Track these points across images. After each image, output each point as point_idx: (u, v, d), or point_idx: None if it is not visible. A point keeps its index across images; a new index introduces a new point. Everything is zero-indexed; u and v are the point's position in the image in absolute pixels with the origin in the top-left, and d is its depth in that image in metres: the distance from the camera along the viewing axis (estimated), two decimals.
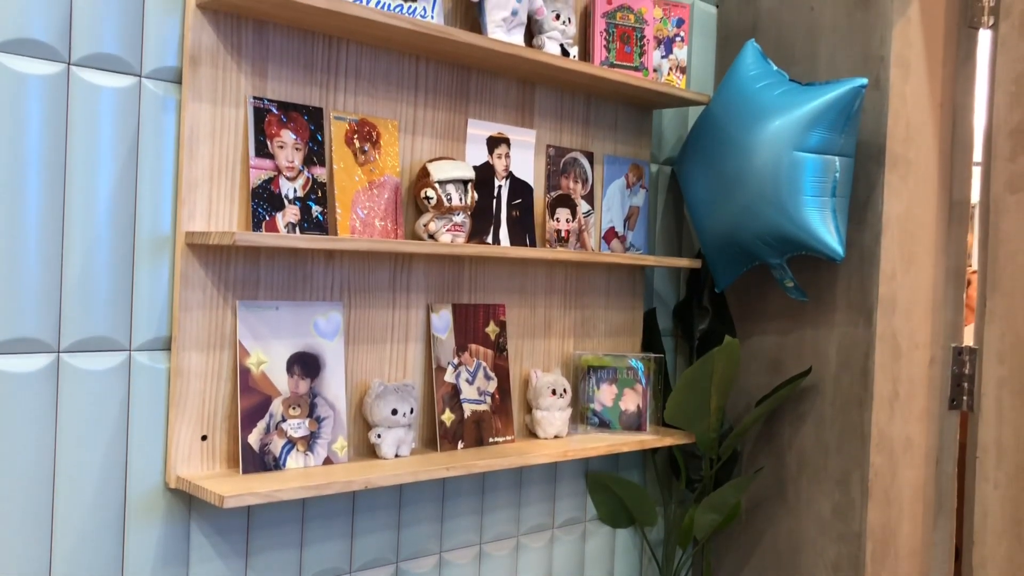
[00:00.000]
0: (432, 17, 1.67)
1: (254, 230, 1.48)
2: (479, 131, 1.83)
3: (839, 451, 2.01)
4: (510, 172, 1.88)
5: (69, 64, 1.33)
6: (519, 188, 1.89)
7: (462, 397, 1.77)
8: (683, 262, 2.06)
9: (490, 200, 1.84)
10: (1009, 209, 1.99)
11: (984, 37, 2.05)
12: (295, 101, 1.56)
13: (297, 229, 1.52)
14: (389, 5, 1.61)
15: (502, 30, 1.74)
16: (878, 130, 1.95)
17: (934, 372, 2.07)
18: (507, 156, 1.88)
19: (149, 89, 1.41)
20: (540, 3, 1.81)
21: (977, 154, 2.07)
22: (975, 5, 2.03)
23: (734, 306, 2.25)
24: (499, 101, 1.87)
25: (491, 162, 1.85)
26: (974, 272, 2.08)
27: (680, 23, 2.07)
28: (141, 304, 1.41)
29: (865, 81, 1.83)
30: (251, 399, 1.49)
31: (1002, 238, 2.00)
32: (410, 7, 1.64)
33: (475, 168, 1.81)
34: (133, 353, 1.41)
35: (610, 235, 2.08)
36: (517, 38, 1.77)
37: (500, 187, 1.86)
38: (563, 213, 1.97)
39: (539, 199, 1.95)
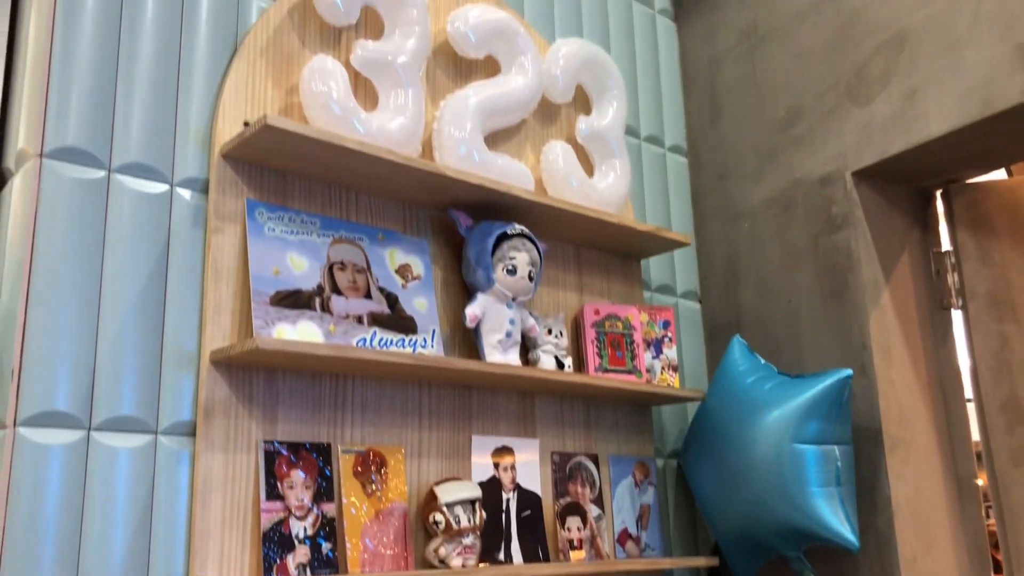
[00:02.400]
0: (432, 346, 1.78)
1: (265, 575, 1.47)
2: (483, 446, 1.88)
3: None
4: (517, 484, 1.90)
5: (89, 430, 1.40)
6: (527, 499, 1.90)
7: None
8: (700, 561, 2.02)
9: (499, 515, 1.84)
10: (1016, 483, 1.99)
11: (957, 316, 2.15)
12: (304, 440, 1.61)
13: (308, 569, 1.52)
14: (391, 341, 1.72)
15: (498, 351, 1.84)
16: (872, 415, 1.99)
17: None
18: (512, 468, 1.91)
19: (164, 445, 1.47)
20: (532, 322, 1.93)
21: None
22: (942, 288, 2.16)
23: None
24: (501, 415, 1.93)
25: (497, 476, 1.88)
26: None
27: (666, 325, 2.18)
28: None
29: (851, 372, 1.90)
30: None
31: (1016, 513, 1.98)
32: (411, 340, 1.75)
33: (481, 484, 1.83)
34: None
35: (624, 537, 2.06)
36: (513, 357, 1.86)
37: (508, 500, 1.88)
38: (574, 522, 1.96)
39: (548, 508, 1.95)
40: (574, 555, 1.92)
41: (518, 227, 1.87)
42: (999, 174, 2.29)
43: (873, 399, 2.00)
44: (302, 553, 1.53)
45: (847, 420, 1.93)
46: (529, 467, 1.94)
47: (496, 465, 1.89)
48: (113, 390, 1.44)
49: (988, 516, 2.14)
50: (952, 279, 2.14)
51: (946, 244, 2.19)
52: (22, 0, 1.60)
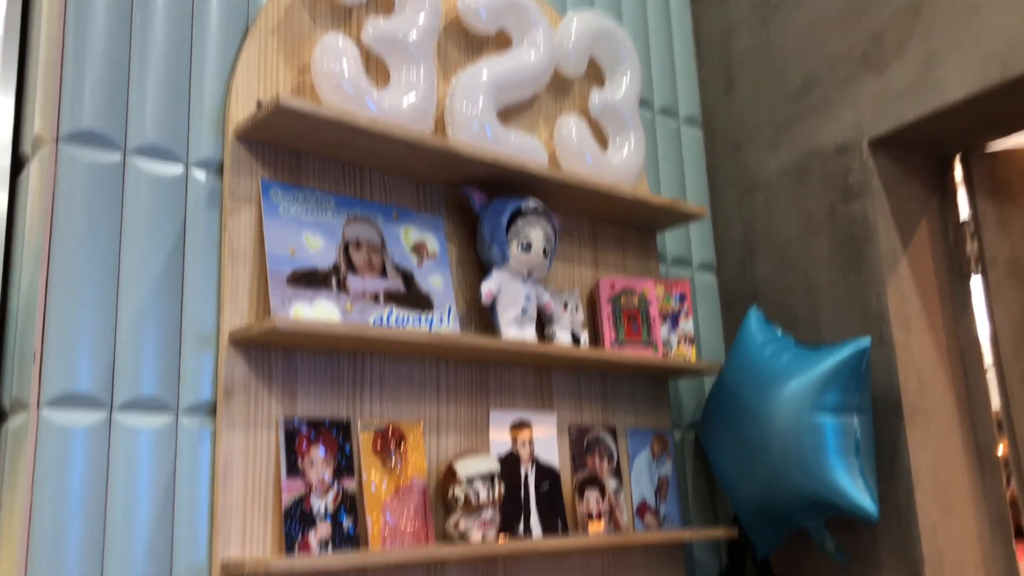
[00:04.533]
0: (448, 324, 1.78)
1: (287, 551, 1.50)
2: (501, 421, 1.89)
3: None
4: (535, 457, 1.92)
5: (111, 410, 1.42)
6: (545, 472, 1.92)
7: None
8: (719, 533, 2.03)
9: (517, 488, 1.86)
10: None
11: (977, 284, 2.14)
12: (324, 416, 1.63)
13: (329, 545, 1.54)
14: (407, 318, 1.73)
15: (515, 327, 1.84)
16: (891, 384, 1.99)
17: None
18: (530, 442, 1.92)
19: (185, 425, 1.49)
20: (548, 298, 1.93)
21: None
22: (961, 257, 2.14)
23: (780, 571, 2.19)
24: (518, 389, 1.94)
25: (515, 450, 1.89)
26: None
27: (683, 298, 2.18)
28: None
29: (869, 341, 1.89)
30: None
31: None
32: (427, 317, 1.76)
33: (500, 458, 1.84)
34: None
35: (643, 509, 2.07)
36: (529, 332, 1.87)
37: (526, 474, 1.89)
38: (592, 494, 1.97)
39: (566, 481, 1.96)
40: (592, 527, 1.93)
41: (532, 203, 1.87)
42: (1020, 140, 2.25)
43: (892, 369, 1.99)
44: (323, 529, 1.55)
45: (866, 390, 1.92)
46: (547, 441, 1.95)
47: (514, 439, 1.90)
48: (133, 371, 1.45)
49: (1008, 483, 2.13)
50: (971, 247, 2.12)
51: (965, 212, 2.17)
52: None
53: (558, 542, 1.74)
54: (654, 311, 2.12)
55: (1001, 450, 2.09)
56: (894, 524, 1.96)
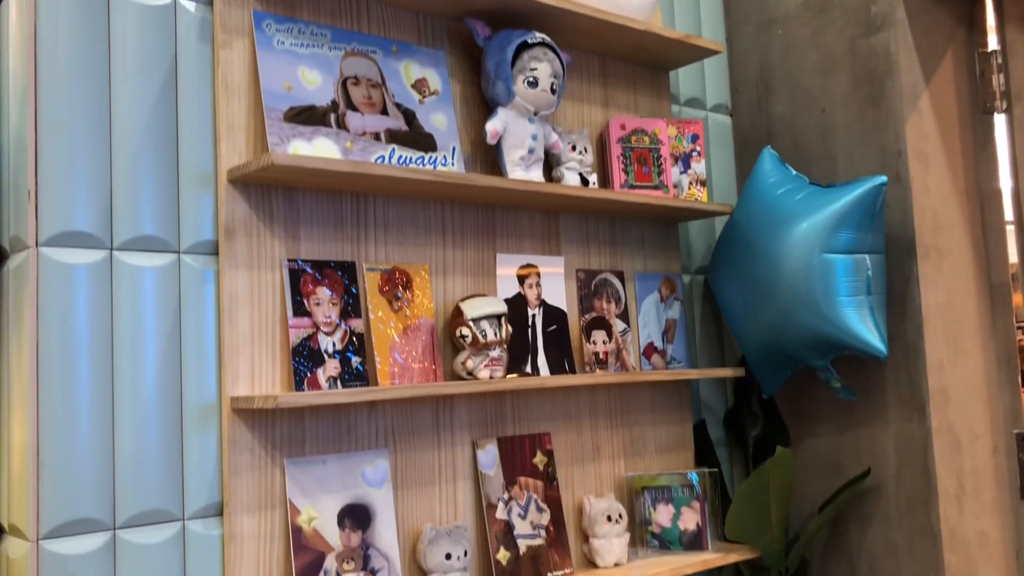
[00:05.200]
0: (453, 164, 1.74)
1: (296, 388, 1.51)
2: (508, 264, 1.87)
3: (910, 553, 1.93)
4: (542, 300, 1.91)
5: (112, 250, 1.41)
6: (553, 315, 1.91)
7: (516, 533, 1.75)
8: (726, 372, 2.05)
9: (525, 330, 1.86)
10: None
11: (1000, 121, 2.06)
12: (328, 258, 1.61)
13: (338, 382, 1.55)
14: (410, 158, 1.68)
15: (521, 168, 1.80)
16: (905, 223, 1.95)
17: (999, 461, 2.01)
18: (538, 285, 1.91)
19: (188, 264, 1.48)
20: (555, 138, 1.87)
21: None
22: (986, 91, 2.05)
23: (785, 409, 2.22)
24: (525, 233, 1.91)
25: (523, 292, 1.88)
26: None
27: (695, 138, 2.12)
28: (192, 472, 1.44)
29: (885, 179, 1.84)
30: (305, 558, 1.49)
31: None
32: (431, 157, 1.71)
33: (507, 301, 1.84)
34: (187, 522, 1.43)
35: (650, 350, 2.09)
36: (536, 174, 1.82)
37: (534, 316, 1.89)
38: (599, 335, 1.98)
39: (574, 323, 1.96)
40: (599, 372, 1.95)
41: (539, 35, 1.78)
42: None
43: (907, 207, 1.95)
44: (332, 366, 1.56)
45: (880, 229, 1.88)
46: (554, 284, 1.94)
47: (521, 281, 1.88)
48: (132, 210, 1.43)
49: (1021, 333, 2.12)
50: (997, 81, 2.04)
51: (994, 44, 2.07)
52: None
53: (565, 379, 1.76)
54: (665, 152, 2.06)
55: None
56: (901, 362, 1.96)
